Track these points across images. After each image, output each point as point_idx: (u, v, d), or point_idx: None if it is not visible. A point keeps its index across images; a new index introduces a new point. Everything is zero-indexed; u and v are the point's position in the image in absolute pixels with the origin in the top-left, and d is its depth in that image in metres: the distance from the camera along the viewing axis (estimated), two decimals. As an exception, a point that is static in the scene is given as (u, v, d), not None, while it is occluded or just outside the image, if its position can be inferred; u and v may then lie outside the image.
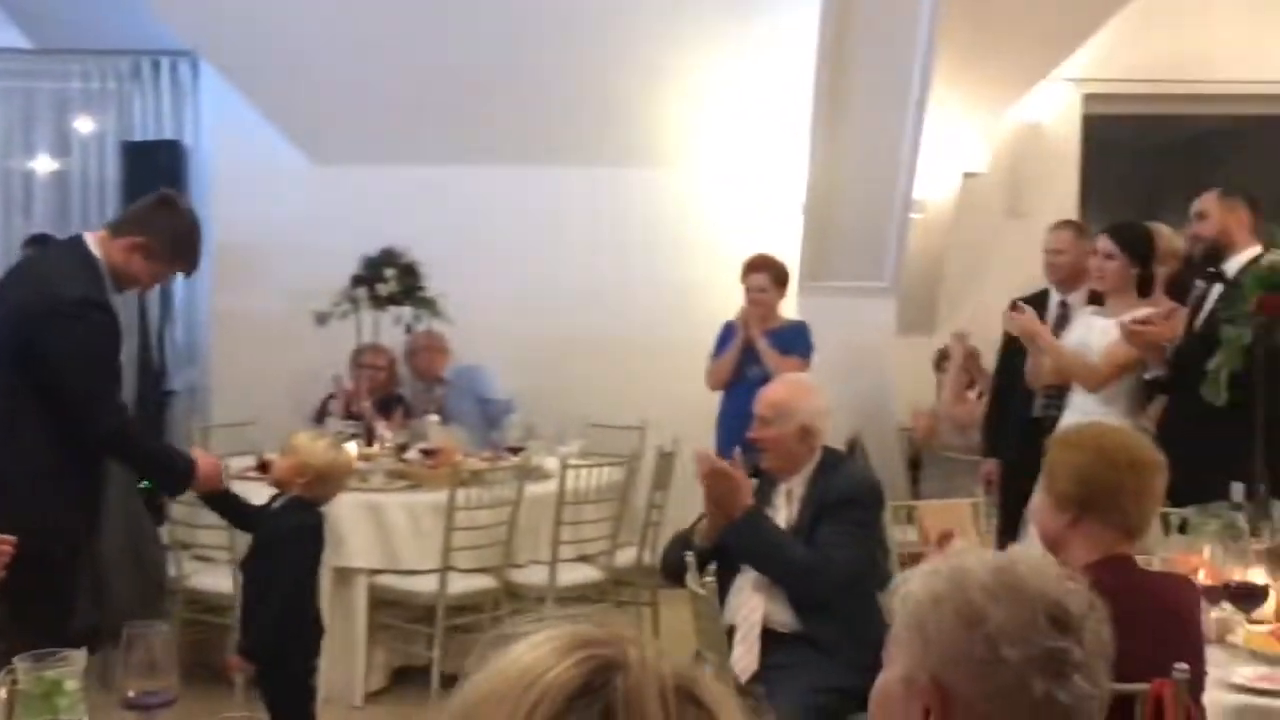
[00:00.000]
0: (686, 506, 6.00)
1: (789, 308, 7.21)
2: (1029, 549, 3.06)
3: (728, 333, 7.07)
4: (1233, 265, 5.29)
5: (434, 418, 6.93)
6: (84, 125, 8.56)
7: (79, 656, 2.63)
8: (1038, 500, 3.16)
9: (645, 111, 8.04)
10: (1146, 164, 9.85)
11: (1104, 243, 5.54)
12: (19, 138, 8.58)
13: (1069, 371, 5.48)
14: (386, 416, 7.04)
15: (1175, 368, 5.26)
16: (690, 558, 4.23)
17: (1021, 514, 5.59)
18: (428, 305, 7.05)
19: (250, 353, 8.16)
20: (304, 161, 8.30)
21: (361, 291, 6.95)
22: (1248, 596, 3.57)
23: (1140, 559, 3.17)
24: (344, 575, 5.91)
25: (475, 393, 7.54)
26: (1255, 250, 5.28)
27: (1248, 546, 3.71)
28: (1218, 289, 5.32)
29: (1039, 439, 5.83)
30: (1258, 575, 3.62)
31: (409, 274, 7.02)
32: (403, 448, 6.65)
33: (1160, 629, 2.78)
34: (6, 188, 8.62)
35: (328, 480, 4.69)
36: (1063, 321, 6.07)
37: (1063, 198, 8.39)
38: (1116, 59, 8.35)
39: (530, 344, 8.07)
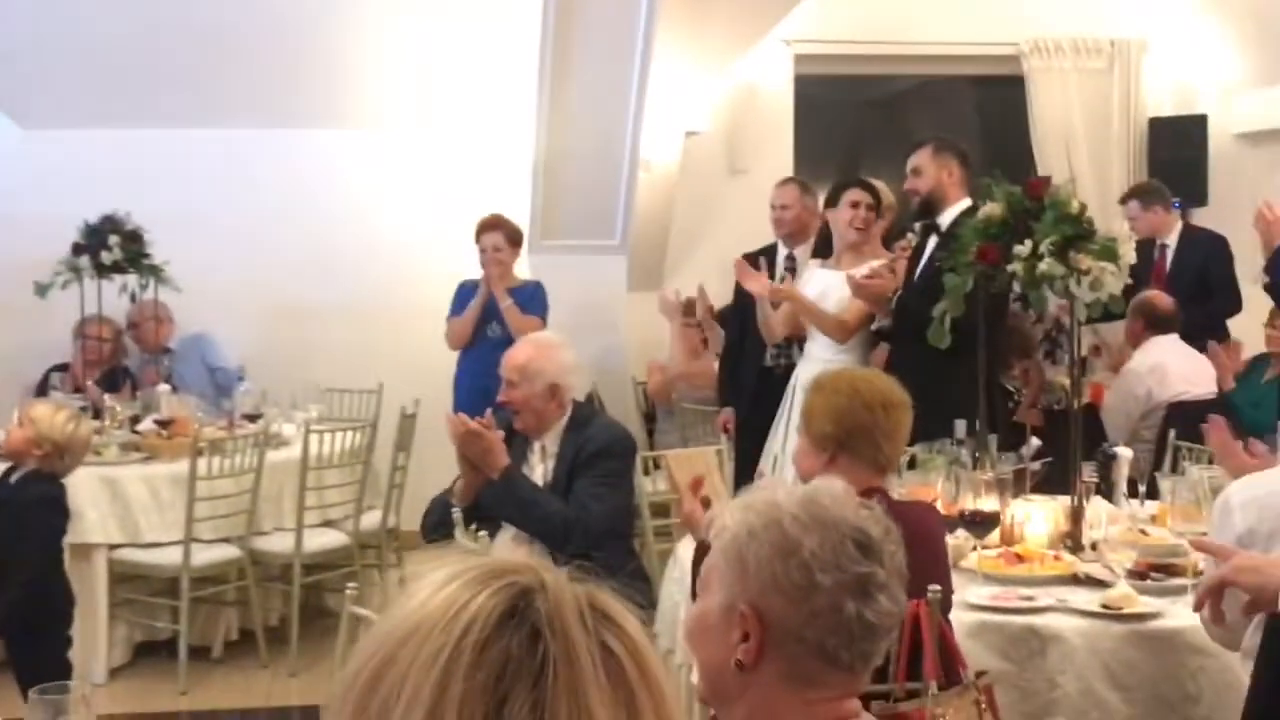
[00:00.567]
0: (430, 468, 6.07)
1: (521, 267, 7.30)
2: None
3: (465, 292, 7.12)
4: (946, 217, 5.64)
5: (164, 387, 6.76)
6: None
7: None
8: (798, 442, 3.36)
9: (372, 73, 7.98)
10: (851, 120, 10.31)
11: (860, 194, 5.83)
12: None
13: (821, 326, 5.75)
14: (114, 389, 6.83)
15: (898, 316, 5.59)
16: (458, 515, 4.31)
17: (758, 458, 5.87)
18: (154, 273, 6.84)
19: (-36, 327, 7.77)
20: (10, 126, 7.94)
21: (84, 260, 6.69)
22: (981, 523, 3.87)
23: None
24: (82, 551, 5.71)
25: (203, 361, 7.39)
26: (966, 202, 5.65)
27: (977, 477, 3.99)
28: (934, 240, 5.67)
29: (771, 387, 6.16)
30: (987, 503, 3.91)
31: (134, 241, 6.79)
32: (135, 419, 6.48)
33: (915, 554, 2.99)
34: None
35: (67, 453, 4.62)
36: (791, 275, 6.34)
37: (779, 154, 8.70)
38: (825, 21, 8.71)
39: (260, 309, 7.93)
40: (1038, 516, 4.16)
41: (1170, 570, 3.75)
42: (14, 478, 4.61)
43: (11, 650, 4.26)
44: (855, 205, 5.85)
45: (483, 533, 4.21)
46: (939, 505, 3.95)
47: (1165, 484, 4.42)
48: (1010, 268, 4.33)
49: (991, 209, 4.41)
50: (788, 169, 8.25)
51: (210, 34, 7.58)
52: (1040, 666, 3.46)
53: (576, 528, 4.37)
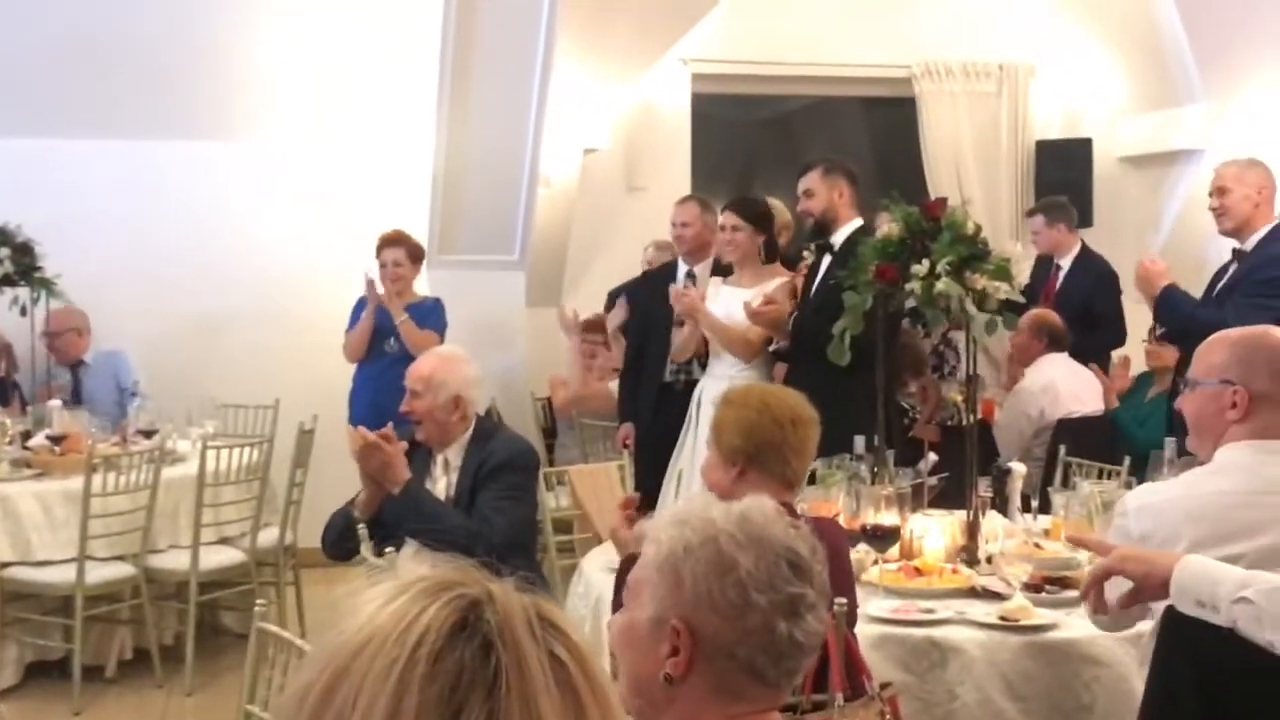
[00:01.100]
0: (328, 484, 6.03)
1: (420, 282, 7.28)
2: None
3: (362, 306, 7.09)
4: (839, 236, 5.76)
5: (56, 403, 6.64)
6: None
7: None
8: (707, 455, 3.41)
9: (269, 85, 7.92)
10: (746, 138, 10.42)
11: (729, 217, 5.90)
12: None
13: (727, 344, 5.81)
14: (3, 403, 6.70)
15: (795, 335, 5.68)
16: (364, 531, 4.29)
17: (658, 473, 5.91)
18: (45, 286, 6.73)
19: None
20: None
21: (-28, 274, 6.58)
22: (882, 537, 3.94)
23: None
24: (-30, 570, 5.62)
25: (115, 378, 7.27)
26: (858, 222, 5.77)
27: (877, 492, 4.07)
28: (827, 259, 5.77)
29: (670, 403, 6.21)
30: (887, 518, 3.99)
31: (24, 253, 6.69)
32: (27, 435, 6.36)
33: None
34: None
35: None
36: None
37: (676, 172, 8.79)
38: (722, 42, 8.82)
39: (154, 324, 7.80)
40: (936, 531, 4.25)
41: (1064, 583, 3.85)
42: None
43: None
44: (723, 229, 5.93)
45: (390, 550, 4.20)
46: (840, 520, 4.02)
47: (1058, 499, 4.53)
48: (908, 286, 4.44)
49: (890, 229, 4.51)
50: (685, 186, 8.33)
51: (101, 44, 7.48)
52: (940, 678, 3.54)
53: (479, 541, 4.37)
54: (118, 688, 6.11)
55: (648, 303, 6.56)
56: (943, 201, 4.61)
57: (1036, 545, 4.30)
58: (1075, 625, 3.55)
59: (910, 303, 4.76)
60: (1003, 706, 3.51)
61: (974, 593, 3.90)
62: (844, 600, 3.05)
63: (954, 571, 4.05)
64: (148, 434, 6.51)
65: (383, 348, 6.96)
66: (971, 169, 9.19)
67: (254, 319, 7.96)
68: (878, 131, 10.08)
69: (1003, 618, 3.64)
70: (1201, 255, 7.60)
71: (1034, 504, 4.98)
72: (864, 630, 3.47)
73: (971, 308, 4.37)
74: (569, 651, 1.14)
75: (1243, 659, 2.47)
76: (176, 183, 7.97)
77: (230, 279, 7.95)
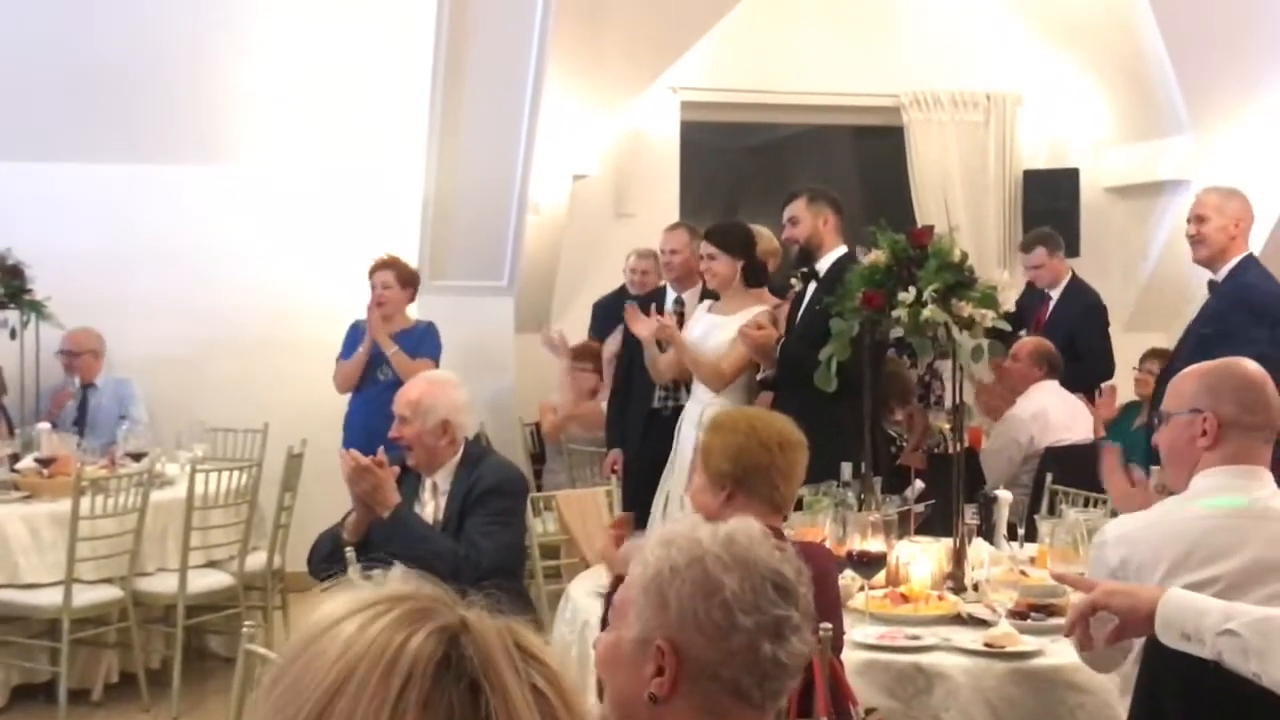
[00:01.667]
0: (316, 508, 6.03)
1: (410, 307, 7.30)
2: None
3: (355, 334, 7.10)
4: (824, 263, 5.78)
5: (45, 425, 6.66)
6: None
7: None
8: (695, 479, 3.42)
9: (259, 110, 7.94)
10: (735, 166, 10.48)
11: (706, 246, 5.92)
12: None
13: (697, 372, 5.83)
14: (-10, 427, 6.71)
15: (781, 363, 5.69)
16: (350, 554, 4.30)
17: (645, 498, 5.92)
18: (35, 308, 6.74)
19: None
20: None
21: (-39, 296, 6.58)
22: (868, 563, 3.96)
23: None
24: (-43, 593, 5.61)
25: (120, 405, 7.28)
26: (842, 249, 5.79)
27: (863, 519, 4.09)
28: (813, 286, 5.80)
29: (659, 429, 6.23)
30: (873, 544, 4.01)
31: (14, 275, 6.70)
32: (15, 457, 6.35)
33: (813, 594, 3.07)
34: None
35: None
36: (681, 318, 6.42)
37: (665, 199, 8.83)
38: (711, 70, 8.88)
39: (144, 347, 7.80)
40: (922, 558, 4.27)
41: (1049, 610, 3.87)
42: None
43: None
44: (702, 258, 5.97)
45: (376, 571, 4.21)
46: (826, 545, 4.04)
47: (1044, 526, 4.54)
48: (894, 313, 4.47)
49: (876, 256, 4.54)
50: (673, 213, 8.36)
51: (93, 68, 7.50)
52: (925, 704, 3.55)
53: (466, 566, 4.38)
54: (104, 711, 6.10)
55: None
56: (929, 229, 4.64)
57: (1022, 572, 4.33)
58: (1060, 652, 3.57)
59: (897, 331, 4.79)
60: (988, 732, 3.52)
61: (960, 619, 3.92)
62: (828, 625, 3.07)
63: (940, 598, 4.07)
64: (136, 457, 6.51)
65: (376, 375, 6.96)
66: (959, 197, 9.25)
67: (243, 343, 7.96)
68: (866, 160, 10.15)
69: (988, 644, 3.66)
70: (1187, 286, 7.66)
71: (1020, 532, 5.00)
72: (849, 656, 3.48)
73: (958, 334, 4.40)
74: (548, 681, 1.13)
75: (1226, 688, 2.49)
76: (165, 207, 7.97)
77: (219, 303, 7.95)
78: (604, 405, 6.97)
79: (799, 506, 4.58)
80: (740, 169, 10.39)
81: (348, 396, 7.08)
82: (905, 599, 4.04)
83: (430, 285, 7.69)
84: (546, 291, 8.48)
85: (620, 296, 7.47)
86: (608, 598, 3.39)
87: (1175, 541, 2.86)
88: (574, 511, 5.38)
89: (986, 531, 4.68)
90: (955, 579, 4.23)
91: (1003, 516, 4.75)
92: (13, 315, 6.80)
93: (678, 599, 1.91)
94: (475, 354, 7.66)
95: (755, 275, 6.00)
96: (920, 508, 4.72)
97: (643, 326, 5.94)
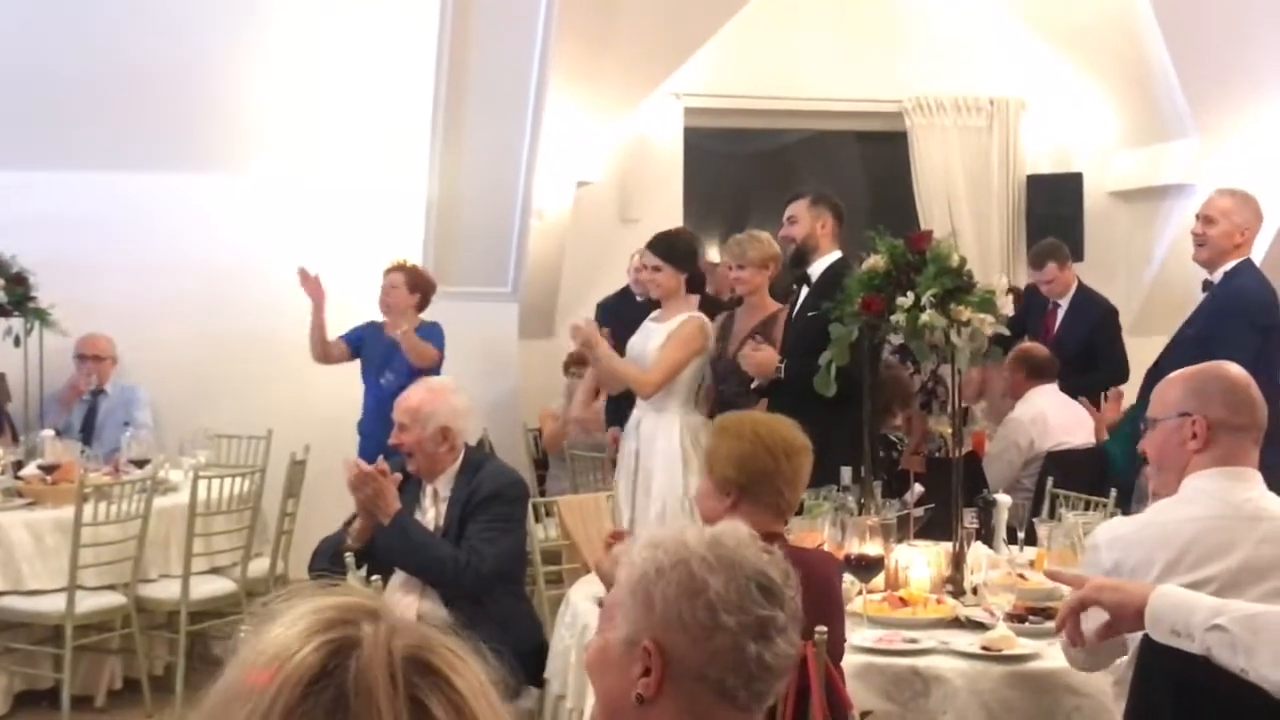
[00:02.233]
0: (319, 514, 6.04)
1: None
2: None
3: (353, 334, 7.12)
4: (816, 268, 5.78)
5: (49, 432, 6.68)
6: None
7: None
8: (700, 484, 3.43)
9: (264, 117, 7.96)
10: (739, 172, 10.49)
11: (649, 257, 5.91)
12: None
13: (616, 380, 5.84)
14: (-5, 433, 6.73)
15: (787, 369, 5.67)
16: (351, 560, 4.31)
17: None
18: (40, 316, 6.76)
19: None
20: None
21: (-35, 303, 6.60)
22: (867, 567, 3.96)
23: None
24: (-39, 599, 5.63)
25: (128, 412, 7.30)
26: (837, 254, 5.78)
27: (862, 523, 4.09)
28: (804, 290, 5.80)
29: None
30: (871, 548, 4.01)
31: (19, 283, 6.72)
32: (19, 464, 6.38)
33: (812, 599, 3.07)
34: None
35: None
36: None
37: (669, 204, 8.85)
38: (715, 76, 8.89)
39: (147, 354, 7.82)
40: (921, 561, 4.27)
41: (1047, 613, 3.87)
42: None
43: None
44: (642, 269, 5.97)
45: (375, 578, 4.22)
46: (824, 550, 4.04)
47: (1042, 530, 4.55)
48: (893, 318, 4.47)
49: (875, 261, 4.54)
50: (677, 219, 8.38)
51: (101, 77, 7.53)
52: (923, 707, 3.55)
53: (467, 572, 4.39)
54: (107, 717, 6.11)
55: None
56: (928, 234, 4.65)
57: (1020, 576, 4.32)
58: (1057, 655, 3.55)
59: (897, 338, 4.79)
60: (985, 735, 3.52)
61: (958, 623, 3.92)
62: (824, 628, 3.07)
63: (939, 602, 4.07)
64: (140, 464, 6.53)
65: (378, 380, 6.97)
66: (963, 202, 9.26)
67: (247, 349, 7.98)
68: (870, 165, 10.15)
69: (985, 647, 3.66)
70: (1191, 290, 7.63)
71: (1020, 535, 5.00)
72: (847, 660, 3.48)
73: (956, 339, 4.41)
74: (443, 696, 1.11)
75: (1218, 686, 2.50)
76: (170, 215, 8.00)
77: (223, 310, 7.97)
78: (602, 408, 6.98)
79: (799, 511, 4.59)
80: (744, 174, 10.40)
81: (358, 402, 7.06)
82: (904, 602, 4.04)
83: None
84: (551, 297, 8.49)
85: (624, 297, 7.48)
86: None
87: (1167, 544, 2.87)
88: (575, 516, 5.39)
89: (986, 535, 4.68)
90: (954, 582, 4.23)
91: (1002, 520, 4.74)
92: (17, 323, 6.82)
93: (663, 599, 1.92)
94: (479, 359, 7.68)
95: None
96: (919, 512, 4.72)
97: (574, 334, 5.95)
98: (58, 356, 7.41)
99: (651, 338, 5.78)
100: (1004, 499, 4.84)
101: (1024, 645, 3.67)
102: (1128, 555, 2.91)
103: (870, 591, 4.06)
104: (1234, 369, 3.05)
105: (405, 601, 4.42)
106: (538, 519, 5.56)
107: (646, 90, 8.50)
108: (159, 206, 7.98)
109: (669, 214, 8.48)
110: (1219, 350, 3.92)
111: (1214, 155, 8.25)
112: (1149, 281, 9.05)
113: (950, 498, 4.46)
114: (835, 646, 3.15)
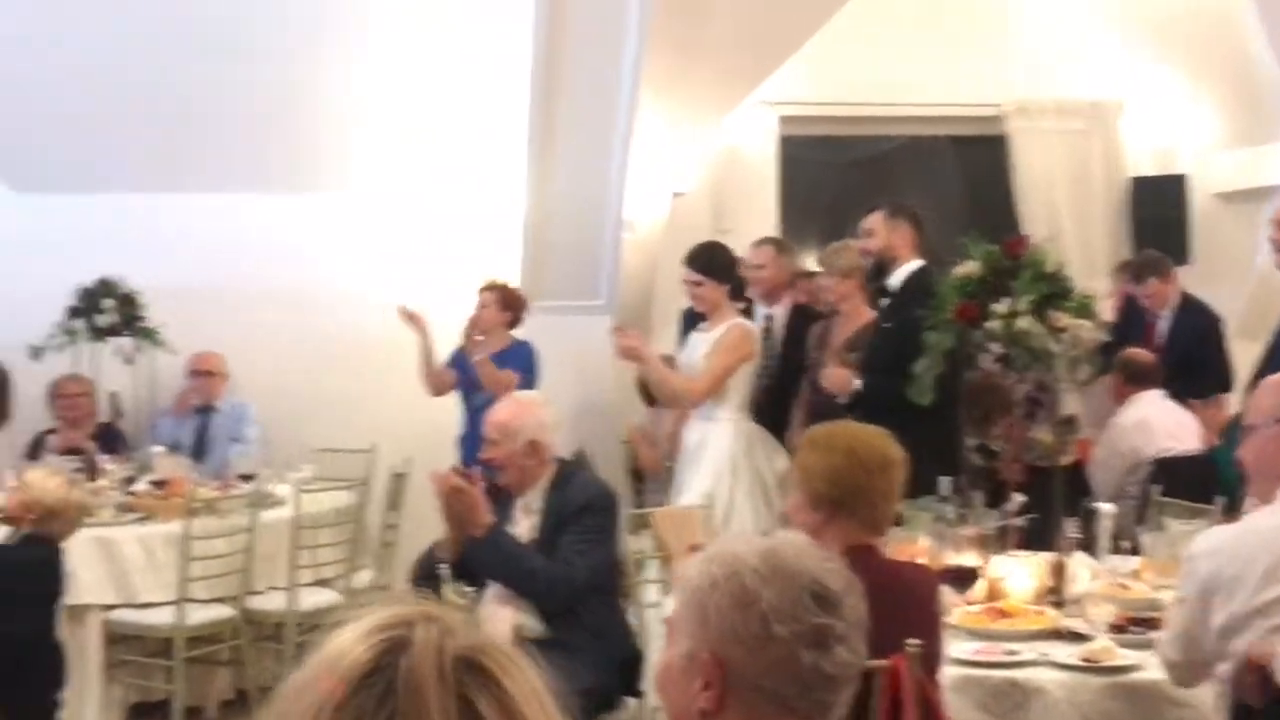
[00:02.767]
0: (421, 527, 6.11)
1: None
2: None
3: (457, 352, 7.20)
4: (896, 278, 5.75)
5: (159, 449, 6.83)
6: None
7: None
8: (793, 499, 3.40)
9: (366, 137, 8.07)
10: (837, 180, 10.43)
11: (690, 273, 5.93)
12: None
13: (662, 391, 5.87)
14: (111, 450, 6.87)
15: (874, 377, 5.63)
16: (445, 570, 4.35)
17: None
18: (149, 336, 6.92)
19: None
20: (3, 189, 8.03)
21: (79, 323, 6.77)
22: (962, 579, 3.93)
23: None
24: (76, 613, 5.73)
25: (239, 428, 7.45)
26: (918, 263, 5.75)
27: (960, 533, 4.06)
28: (885, 301, 5.78)
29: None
30: (969, 559, 3.98)
31: (128, 304, 6.89)
32: (130, 480, 6.53)
33: (901, 612, 3.05)
34: None
35: (59, 516, 4.66)
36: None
37: (764, 214, 8.82)
38: (809, 83, 8.85)
39: (253, 372, 7.95)
40: (1020, 572, 4.23)
41: (1149, 624, 3.82)
42: (10, 541, 4.68)
43: (2, 714, 4.29)
44: (686, 283, 6.02)
45: (469, 589, 4.26)
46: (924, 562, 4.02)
47: (1146, 539, 4.49)
48: (988, 325, 4.43)
49: (969, 267, 4.51)
50: (772, 229, 8.36)
51: (200, 99, 7.67)
52: (1022, 719, 3.52)
53: (561, 584, 4.41)
54: (218, 728, 6.24)
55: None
56: (1023, 239, 4.61)
57: (1122, 586, 4.26)
58: (1159, 667, 3.51)
59: (996, 348, 4.74)
60: (1086, 747, 3.48)
61: (1058, 634, 3.87)
62: (916, 641, 3.04)
63: (1039, 613, 4.03)
64: (247, 478, 6.66)
65: (474, 398, 7.03)
66: (1064, 206, 9.14)
67: (351, 367, 8.07)
68: (969, 170, 10.04)
69: (1085, 659, 3.62)
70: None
71: (1125, 545, 4.92)
72: (944, 672, 3.46)
73: (1054, 346, 4.36)
74: (493, 697, 1.13)
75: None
76: (273, 235, 8.11)
77: (328, 328, 8.07)
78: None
79: (898, 522, 4.56)
80: (841, 183, 10.33)
81: (459, 417, 7.14)
82: (1003, 614, 4.00)
83: (530, 305, 7.77)
84: (644, 309, 8.51)
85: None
86: None
87: (1266, 552, 2.82)
88: (670, 528, 5.39)
89: (1089, 544, 4.62)
90: (1055, 593, 4.18)
91: (1105, 529, 4.68)
92: (127, 343, 6.98)
93: (717, 612, 1.93)
94: (575, 372, 7.71)
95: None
96: (1019, 521, 4.67)
97: (617, 345, 6.00)
98: (168, 375, 7.58)
99: (698, 348, 5.81)
100: (1107, 508, 4.78)
101: (1125, 656, 3.62)
102: (1225, 565, 2.87)
103: (970, 603, 4.02)
104: None
105: (501, 614, 4.44)
106: (634, 531, 5.57)
107: (738, 99, 8.48)
108: (263, 226, 8.11)
109: (763, 223, 8.46)
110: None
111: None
112: (1255, 283, 8.86)
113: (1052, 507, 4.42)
114: (930, 660, 3.12)
